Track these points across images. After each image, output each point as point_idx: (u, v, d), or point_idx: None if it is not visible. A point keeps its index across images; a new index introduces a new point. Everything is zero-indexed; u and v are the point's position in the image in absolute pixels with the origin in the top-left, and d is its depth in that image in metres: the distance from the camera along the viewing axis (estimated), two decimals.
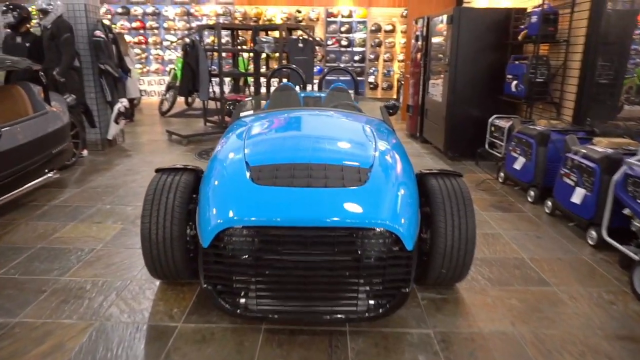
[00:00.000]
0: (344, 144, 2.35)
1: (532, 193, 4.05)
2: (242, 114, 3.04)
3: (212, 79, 6.57)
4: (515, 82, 4.90)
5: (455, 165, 5.41)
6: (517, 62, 4.96)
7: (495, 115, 5.10)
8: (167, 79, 10.01)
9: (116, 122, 5.84)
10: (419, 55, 6.64)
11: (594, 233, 3.13)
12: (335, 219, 1.79)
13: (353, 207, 1.84)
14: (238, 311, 1.90)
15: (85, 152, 5.40)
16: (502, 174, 4.64)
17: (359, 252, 1.83)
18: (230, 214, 1.83)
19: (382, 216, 1.82)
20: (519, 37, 4.98)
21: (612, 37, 4.23)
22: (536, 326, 2.22)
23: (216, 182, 2.03)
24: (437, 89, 5.93)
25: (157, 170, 2.40)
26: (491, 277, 2.69)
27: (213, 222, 1.82)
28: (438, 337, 2.11)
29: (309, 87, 6.34)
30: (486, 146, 5.20)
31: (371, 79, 11.99)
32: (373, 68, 11.94)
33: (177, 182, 2.28)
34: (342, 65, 11.67)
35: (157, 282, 2.54)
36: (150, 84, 12.03)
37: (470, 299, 2.45)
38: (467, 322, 2.24)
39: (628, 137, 3.62)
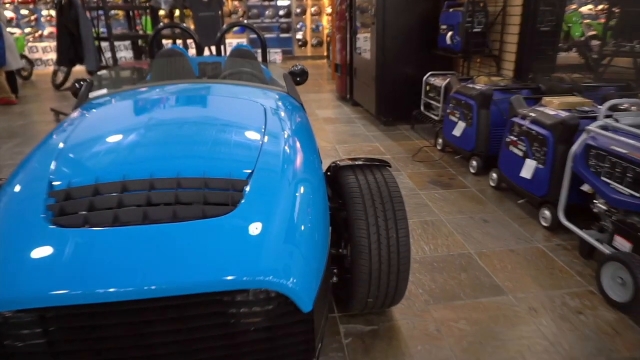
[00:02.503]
0: (216, 137, 1.60)
1: (474, 163, 3.53)
2: (92, 95, 2.19)
3: (101, 44, 5.47)
4: (450, 33, 4.29)
5: (389, 130, 4.82)
6: (451, 10, 4.34)
7: (430, 73, 4.51)
8: None
9: None
10: (343, 6, 5.86)
11: (547, 213, 2.65)
12: (184, 283, 1.08)
13: (214, 255, 1.13)
14: None
15: None
16: (440, 141, 4.10)
17: (230, 322, 1.15)
18: (3, 286, 1.07)
19: (260, 267, 1.13)
20: None
21: None
22: None
23: None
24: (365, 44, 5.22)
25: None
26: (433, 287, 2.13)
27: None
28: None
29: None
30: (421, 108, 4.63)
31: (299, 35, 11.05)
32: (300, 23, 10.99)
33: None
34: (266, 21, 10.64)
35: None
36: (46, 51, 10.40)
37: (407, 327, 1.87)
38: None
39: (578, 93, 3.15)
